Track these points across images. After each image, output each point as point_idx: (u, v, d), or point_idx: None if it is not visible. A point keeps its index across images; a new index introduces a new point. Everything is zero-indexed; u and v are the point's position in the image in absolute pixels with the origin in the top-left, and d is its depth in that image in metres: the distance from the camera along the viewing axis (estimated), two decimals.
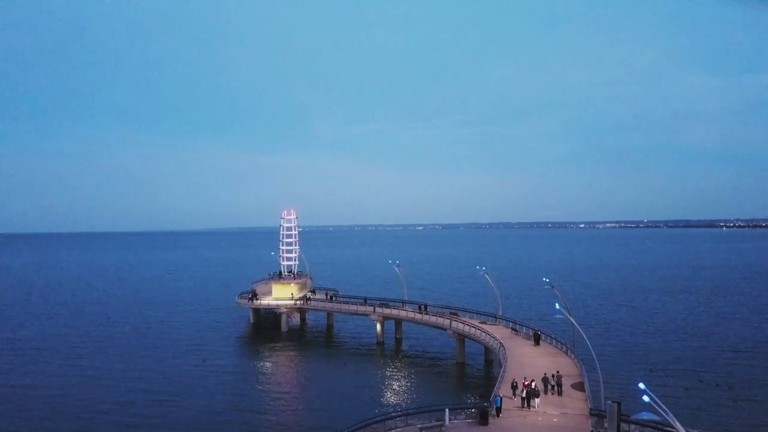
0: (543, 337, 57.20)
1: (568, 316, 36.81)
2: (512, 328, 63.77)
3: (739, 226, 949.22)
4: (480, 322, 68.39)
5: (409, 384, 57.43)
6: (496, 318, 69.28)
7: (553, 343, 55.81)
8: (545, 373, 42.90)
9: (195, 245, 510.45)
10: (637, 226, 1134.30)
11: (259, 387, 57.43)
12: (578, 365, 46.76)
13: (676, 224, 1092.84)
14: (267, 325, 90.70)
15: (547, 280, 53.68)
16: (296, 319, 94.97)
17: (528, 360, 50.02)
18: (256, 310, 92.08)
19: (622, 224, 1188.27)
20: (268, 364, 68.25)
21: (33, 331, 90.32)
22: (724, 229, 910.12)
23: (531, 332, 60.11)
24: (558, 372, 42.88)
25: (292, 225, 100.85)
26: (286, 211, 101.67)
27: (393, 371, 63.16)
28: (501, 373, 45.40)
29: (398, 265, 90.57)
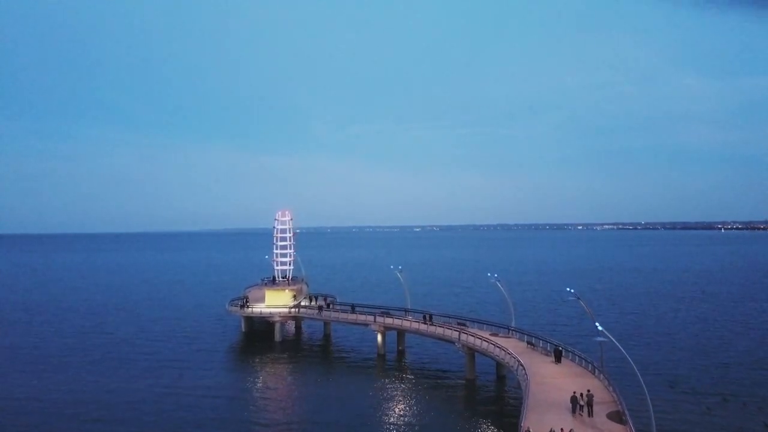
0: (564, 353, 51.38)
1: (613, 340, 30.98)
2: (528, 342, 57.78)
3: (737, 228, 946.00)
4: (490, 334, 62.63)
5: (415, 404, 51.65)
6: (508, 330, 63.40)
7: (576, 361, 49.97)
8: (574, 392, 37.98)
9: (191, 247, 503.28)
10: (635, 228, 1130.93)
11: (243, 408, 51.31)
12: (611, 389, 40.95)
13: (674, 226, 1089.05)
14: (259, 335, 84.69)
15: (572, 291, 47.81)
16: (291, 328, 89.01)
17: (551, 381, 44.23)
18: (249, 318, 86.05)
19: (620, 226, 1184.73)
20: (256, 381, 62.16)
21: None
22: (723, 230, 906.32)
23: (549, 346, 54.44)
24: (589, 391, 37.79)
25: (287, 227, 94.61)
26: (280, 213, 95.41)
27: (396, 388, 57.33)
28: (524, 400, 39.54)
29: (401, 271, 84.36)
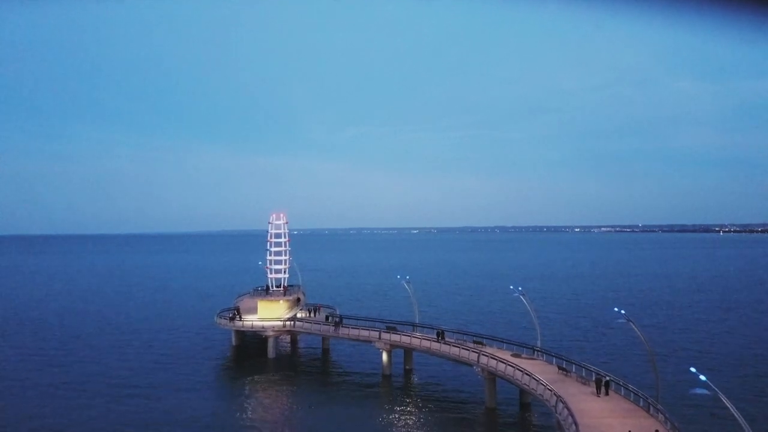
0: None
1: (719, 392, 23.34)
2: (559, 367, 50.07)
3: (735, 231, 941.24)
4: (512, 354, 55.04)
5: None
6: (533, 350, 55.72)
7: (623, 393, 42.26)
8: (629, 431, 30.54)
9: (185, 249, 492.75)
10: (633, 231, 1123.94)
11: None
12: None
13: (672, 229, 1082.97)
14: (251, 350, 76.78)
15: (623, 312, 40.20)
16: (286, 343, 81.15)
17: (599, 421, 36.54)
18: (240, 332, 78.02)
19: (618, 228, 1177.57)
20: (244, 406, 54.37)
21: None
22: (721, 233, 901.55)
23: (584, 372, 46.84)
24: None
25: (282, 231, 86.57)
26: (274, 215, 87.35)
27: (405, 416, 50.03)
28: None
29: (408, 281, 76.29)
